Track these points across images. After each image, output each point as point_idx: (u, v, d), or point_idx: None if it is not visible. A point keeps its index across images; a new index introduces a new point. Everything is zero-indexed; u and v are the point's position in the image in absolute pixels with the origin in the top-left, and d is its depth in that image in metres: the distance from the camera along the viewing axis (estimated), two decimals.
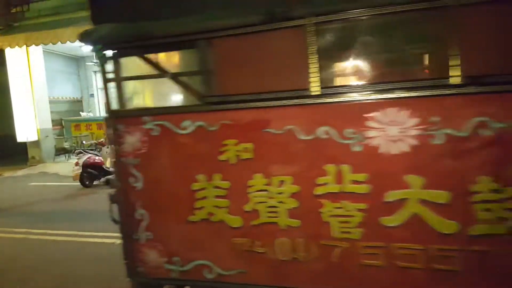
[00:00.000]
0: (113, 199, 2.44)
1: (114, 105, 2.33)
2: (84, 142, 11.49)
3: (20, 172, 10.77)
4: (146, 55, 2.40)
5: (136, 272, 2.39)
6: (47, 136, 12.08)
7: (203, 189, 2.16)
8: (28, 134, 11.64)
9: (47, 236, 5.24)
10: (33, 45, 10.87)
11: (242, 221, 2.10)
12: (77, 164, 8.29)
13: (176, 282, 2.35)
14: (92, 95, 15.44)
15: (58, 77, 13.80)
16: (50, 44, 10.59)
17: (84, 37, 2.24)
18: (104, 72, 2.31)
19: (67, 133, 13.10)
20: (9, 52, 11.37)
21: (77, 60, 14.81)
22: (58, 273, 4.05)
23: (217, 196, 2.14)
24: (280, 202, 2.02)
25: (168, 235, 2.29)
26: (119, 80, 2.33)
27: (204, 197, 2.17)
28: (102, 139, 9.33)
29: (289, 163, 1.98)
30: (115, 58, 2.29)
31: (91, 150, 9.13)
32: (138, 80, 2.61)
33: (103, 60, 2.30)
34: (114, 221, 2.45)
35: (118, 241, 4.74)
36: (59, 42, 10.42)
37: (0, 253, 4.81)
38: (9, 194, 8.35)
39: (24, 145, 11.89)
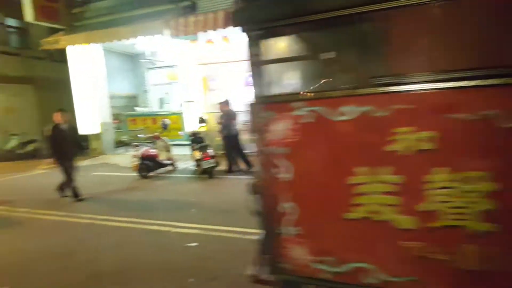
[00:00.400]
0: (254, 190, 2.28)
1: (261, 90, 2.14)
2: (139, 135, 12.16)
3: (84, 163, 11.62)
4: (299, 34, 2.20)
5: (279, 268, 2.21)
6: (107, 130, 12.92)
7: (364, 183, 1.91)
8: (90, 127, 12.52)
9: (110, 222, 5.64)
10: (93, 43, 11.66)
11: (415, 222, 1.84)
12: (135, 156, 8.82)
13: (328, 284, 2.10)
14: (146, 91, 16.18)
15: (116, 74, 14.63)
16: (107, 42, 11.32)
17: (234, 17, 2.09)
18: (252, 54, 2.10)
19: (124, 127, 13.90)
20: (71, 51, 12.26)
21: (132, 58, 15.56)
22: (120, 257, 4.35)
23: (383, 193, 1.87)
24: (471, 202, 1.72)
25: (320, 232, 2.08)
26: (267, 62, 2.13)
27: (365, 193, 1.92)
28: (156, 133, 9.80)
29: (486, 156, 1.67)
30: (262, 38, 2.08)
31: (147, 143, 9.61)
32: (284, 63, 2.41)
33: (252, 40, 2.08)
34: (255, 213, 2.30)
35: (174, 230, 5.06)
36: (116, 40, 11.10)
37: (70, 236, 5.27)
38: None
39: (85, 137, 12.81)
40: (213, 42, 9.99)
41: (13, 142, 13.79)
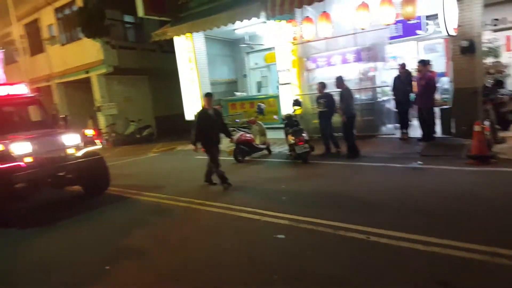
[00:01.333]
0: None
1: None
2: (237, 120, 12.44)
3: (188, 147, 12.46)
4: None
5: None
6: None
7: None
8: (194, 113, 13.29)
9: (204, 207, 5.79)
10: (194, 32, 12.22)
11: None
12: (231, 140, 8.98)
13: None
14: (245, 76, 16.50)
15: (216, 60, 15.21)
16: (208, 30, 11.72)
17: None
18: None
19: (225, 112, 14.42)
20: (177, 41, 13.08)
21: (232, 43, 15.95)
22: (206, 243, 4.40)
23: None
24: None
25: None
26: None
27: None
28: (252, 118, 9.84)
29: None
30: None
31: (244, 127, 9.71)
32: None
33: None
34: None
35: (263, 219, 4.92)
36: (215, 28, 11.41)
37: (163, 220, 5.57)
38: (180, 165, 9.72)
39: (192, 123, 13.67)
40: (310, 19, 9.46)
41: (131, 128, 15.59)
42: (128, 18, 16.66)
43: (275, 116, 10.59)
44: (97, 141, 6.97)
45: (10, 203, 5.81)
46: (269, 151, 9.65)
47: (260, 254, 3.88)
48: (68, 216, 6.01)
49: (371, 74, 9.73)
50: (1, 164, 5.61)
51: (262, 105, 10.05)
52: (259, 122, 9.74)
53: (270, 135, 10.27)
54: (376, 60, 9.64)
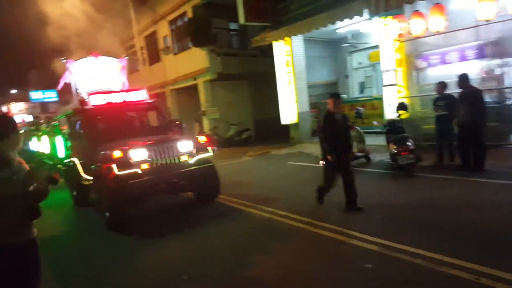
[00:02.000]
0: None
1: None
2: None
3: (283, 151, 12.40)
4: None
5: None
6: (304, 119, 13.30)
7: None
8: (289, 117, 13.19)
9: (289, 221, 5.49)
10: (293, 36, 12.05)
11: None
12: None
13: None
14: (346, 77, 15.75)
15: (315, 62, 14.85)
16: (307, 32, 11.45)
17: None
18: None
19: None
20: (276, 45, 13.11)
21: (333, 43, 15.38)
22: (278, 261, 4.02)
23: None
24: None
25: None
26: None
27: None
28: (349, 123, 9.19)
29: None
30: None
31: None
32: None
33: None
34: None
35: (349, 241, 4.37)
36: (314, 29, 11.07)
37: (284, 247, 5.30)
38: (271, 170, 9.66)
39: (287, 126, 13.59)
40: (421, 13, 8.44)
41: (232, 131, 16.26)
42: (233, 26, 17.43)
43: (374, 122, 9.71)
44: (209, 148, 6.78)
45: (126, 209, 5.96)
46: (368, 160, 8.90)
47: (342, 283, 3.45)
48: (181, 226, 5.79)
49: (498, 72, 8.20)
50: (119, 171, 5.70)
51: (361, 109, 9.34)
52: (357, 127, 9.06)
53: (370, 141, 9.49)
54: (504, 57, 8.09)
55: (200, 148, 6.65)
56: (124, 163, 5.77)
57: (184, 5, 16.81)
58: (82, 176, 7.22)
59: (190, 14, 16.32)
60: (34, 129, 13.90)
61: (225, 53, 16.52)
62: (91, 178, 6.76)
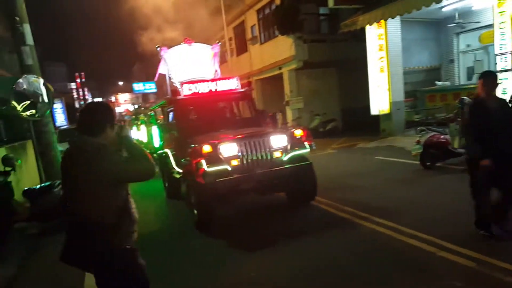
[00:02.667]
0: None
1: None
2: (437, 115, 10.54)
3: (370, 144, 11.48)
4: None
5: None
6: (398, 109, 12.13)
7: None
8: (380, 107, 12.14)
9: (369, 223, 4.94)
10: (389, 18, 10.95)
11: None
12: (418, 142, 7.61)
13: None
14: (451, 61, 13.91)
15: (414, 46, 13.41)
16: (406, 14, 10.30)
17: None
18: None
19: (421, 105, 12.57)
20: (367, 28, 12.10)
21: (435, 24, 13.67)
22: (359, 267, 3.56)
23: None
24: None
25: None
26: None
27: None
28: (451, 114, 8.01)
29: None
30: None
31: (437, 126, 8.06)
32: None
33: None
34: None
35: (439, 253, 3.72)
36: (415, 10, 9.90)
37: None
38: (355, 165, 8.99)
39: (377, 117, 12.55)
40: None
41: (316, 121, 15.68)
42: (323, 10, 16.68)
43: None
44: (305, 143, 6.07)
45: (214, 208, 5.60)
46: None
47: None
48: (274, 234, 5.02)
49: None
50: (208, 167, 5.33)
51: (466, 99, 8.01)
52: (459, 119, 7.82)
53: None
54: None
55: (296, 144, 5.97)
56: (214, 158, 5.39)
57: None
58: (173, 168, 7.02)
59: (277, 1, 16.07)
60: (134, 118, 15.06)
61: (313, 39, 15.91)
62: (181, 171, 6.52)
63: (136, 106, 26.59)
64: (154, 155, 8.16)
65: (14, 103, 7.01)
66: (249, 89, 7.75)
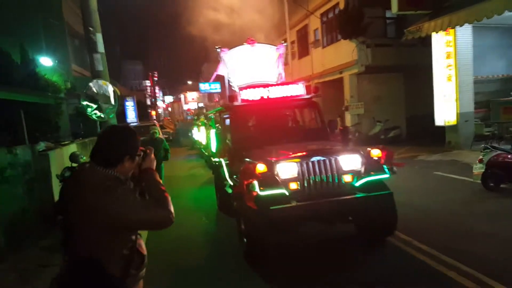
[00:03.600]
0: None
1: None
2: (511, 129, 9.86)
3: (433, 157, 11.08)
4: None
5: None
6: (466, 121, 11.50)
7: None
8: (446, 118, 11.62)
9: (409, 249, 4.77)
10: (457, 26, 10.44)
11: None
12: (480, 161, 7.28)
13: None
14: None
15: (487, 53, 12.55)
16: (475, 21, 9.79)
17: None
18: None
19: (494, 117, 11.75)
20: (434, 34, 11.61)
21: None
22: None
23: None
24: None
25: None
26: None
27: None
28: None
29: None
30: None
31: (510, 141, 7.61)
32: None
33: None
34: None
35: None
36: (485, 18, 9.37)
37: None
38: (409, 180, 8.66)
39: (443, 128, 12.01)
40: None
41: (377, 128, 15.36)
42: (389, 14, 16.22)
43: None
44: (385, 166, 4.98)
45: (267, 240, 4.64)
46: None
47: None
48: (347, 279, 4.15)
49: None
50: (262, 190, 4.50)
51: None
52: None
53: None
54: None
55: (372, 166, 4.89)
56: (269, 179, 4.59)
57: None
58: (226, 180, 6.50)
59: (341, 5, 15.98)
60: (196, 118, 15.95)
61: (377, 44, 15.59)
62: (233, 185, 5.97)
63: (200, 105, 27.94)
64: (212, 160, 8.01)
65: (84, 104, 7.63)
66: (316, 95, 6.65)
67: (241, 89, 6.46)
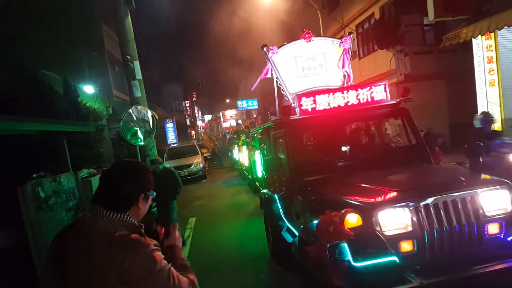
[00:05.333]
0: None
1: None
2: None
3: None
4: None
5: None
6: (511, 127, 11.30)
7: None
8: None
9: None
10: (496, 30, 10.49)
11: None
12: None
13: None
14: None
15: None
16: None
17: None
18: None
19: None
20: (474, 39, 11.67)
21: None
22: None
23: None
24: None
25: None
26: None
27: None
28: None
29: None
30: None
31: None
32: None
33: None
34: None
35: None
36: None
37: None
38: None
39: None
40: None
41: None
42: (427, 20, 16.31)
43: None
44: None
45: None
46: None
47: None
48: None
49: None
50: (356, 260, 2.91)
51: None
52: None
53: None
54: None
55: None
56: (369, 240, 2.97)
57: (372, 6, 16.96)
58: (281, 220, 5.21)
59: (377, 15, 16.35)
60: (236, 138, 15.80)
61: (416, 51, 15.71)
62: (295, 231, 4.65)
63: (239, 122, 28.74)
64: (261, 192, 6.50)
65: (123, 129, 8.01)
66: (406, 99, 5.12)
67: (299, 97, 5.07)
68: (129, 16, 9.68)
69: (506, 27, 10.60)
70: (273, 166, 4.79)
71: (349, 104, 4.96)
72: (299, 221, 4.37)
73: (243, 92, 39.40)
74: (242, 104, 32.43)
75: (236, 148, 14.02)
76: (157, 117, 9.10)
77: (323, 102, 4.99)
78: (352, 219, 2.96)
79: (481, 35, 11.09)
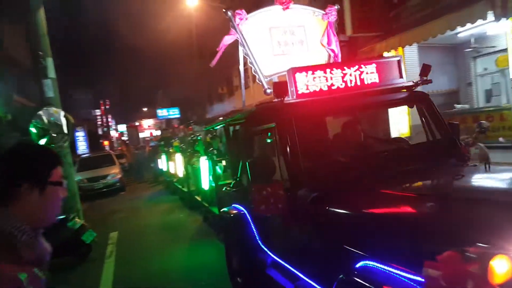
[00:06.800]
0: None
1: None
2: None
3: None
4: None
5: None
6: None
7: None
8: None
9: None
10: (407, 45, 11.70)
11: None
12: None
13: None
14: (469, 84, 14.46)
15: (432, 70, 13.98)
16: (422, 41, 11.04)
17: None
18: None
19: None
20: (385, 54, 12.86)
21: (452, 49, 14.35)
22: None
23: None
24: None
25: None
26: None
27: None
28: (470, 138, 8.53)
29: None
30: None
31: None
32: None
33: None
34: None
35: None
36: (430, 37, 10.61)
37: None
38: None
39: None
40: None
41: None
42: (342, 37, 17.54)
43: (500, 139, 8.78)
44: None
45: None
46: None
47: None
48: None
49: None
50: None
51: (485, 123, 8.53)
52: (479, 144, 8.31)
53: (496, 157, 8.61)
54: None
55: None
56: None
57: None
58: (261, 250, 3.67)
59: None
60: (163, 144, 14.28)
61: None
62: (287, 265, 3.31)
63: (161, 130, 27.40)
64: (204, 205, 5.26)
65: (33, 134, 7.11)
66: (425, 81, 4.26)
67: (294, 71, 3.51)
68: (43, 8, 8.57)
69: (415, 43, 11.95)
70: (262, 173, 3.29)
71: (368, 82, 3.62)
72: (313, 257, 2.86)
73: (163, 100, 38.03)
74: (162, 112, 31.20)
75: (163, 156, 12.36)
76: (72, 121, 8.12)
77: (325, 81, 3.55)
78: (502, 267, 1.60)
79: (394, 49, 12.30)
